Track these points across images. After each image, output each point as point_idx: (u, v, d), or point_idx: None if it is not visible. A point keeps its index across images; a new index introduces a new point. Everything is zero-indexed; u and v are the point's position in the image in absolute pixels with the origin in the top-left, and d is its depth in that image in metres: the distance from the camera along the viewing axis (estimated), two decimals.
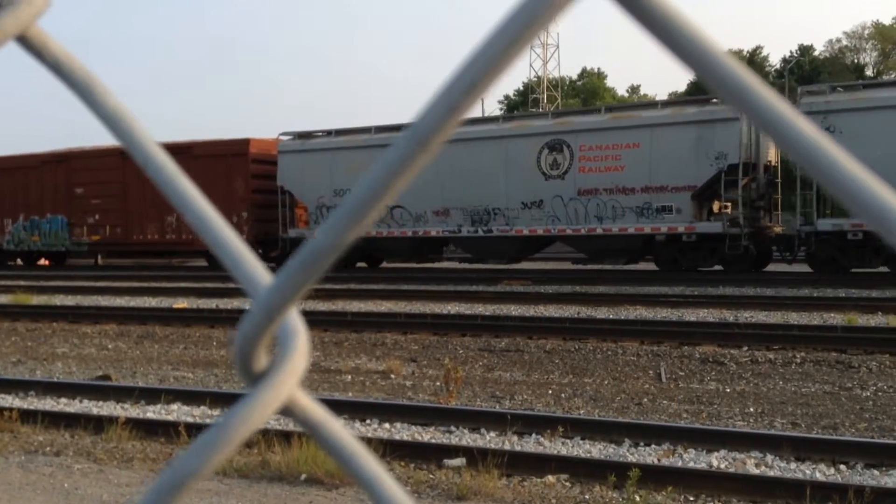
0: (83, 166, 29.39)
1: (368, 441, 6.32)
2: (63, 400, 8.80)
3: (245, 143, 27.10)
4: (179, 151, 26.78)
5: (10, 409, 7.65)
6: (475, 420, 7.41)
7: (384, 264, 26.78)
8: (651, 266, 22.45)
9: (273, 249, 26.65)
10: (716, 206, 20.48)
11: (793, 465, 6.06)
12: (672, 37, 0.33)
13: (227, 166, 26.64)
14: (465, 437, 7.06)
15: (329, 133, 25.97)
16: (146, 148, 0.36)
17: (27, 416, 7.62)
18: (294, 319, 0.34)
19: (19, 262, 32.30)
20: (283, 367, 0.33)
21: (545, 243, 23.81)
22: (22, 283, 22.38)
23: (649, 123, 21.08)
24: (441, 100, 0.30)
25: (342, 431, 0.33)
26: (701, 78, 0.34)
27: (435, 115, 0.29)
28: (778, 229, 21.32)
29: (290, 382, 0.33)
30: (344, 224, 0.30)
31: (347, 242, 0.31)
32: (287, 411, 0.34)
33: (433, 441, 6.94)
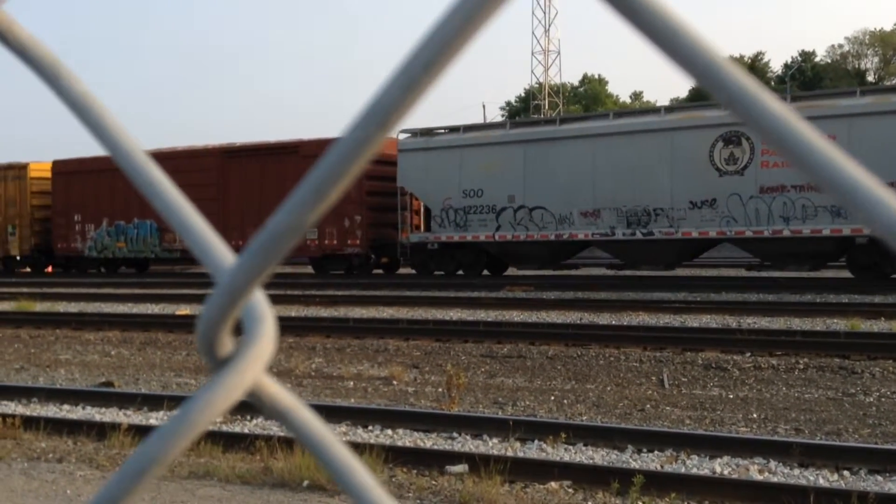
0: (176, 167, 25.89)
1: (371, 448, 6.31)
2: (66, 407, 8.80)
3: None
4: (286, 151, 25.58)
5: (13, 416, 7.65)
6: (477, 426, 7.39)
7: (510, 271, 24.08)
8: (649, 272, 22.22)
9: (386, 255, 25.04)
10: None
11: (796, 472, 6.04)
12: (667, 39, 0.33)
13: None
14: (467, 444, 7.04)
15: (456, 129, 23.80)
16: (115, 135, 0.35)
17: (30, 422, 7.62)
18: (261, 304, 0.33)
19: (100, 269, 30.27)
20: (249, 352, 0.32)
21: (710, 246, 21.69)
22: (25, 290, 22.40)
23: (848, 113, 18.63)
24: (399, 78, 0.29)
25: (312, 419, 0.32)
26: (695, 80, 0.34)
27: (392, 93, 0.29)
28: None
29: (255, 367, 0.32)
30: (305, 205, 0.29)
31: (308, 223, 0.30)
32: (254, 398, 0.33)
33: (435, 447, 6.93)
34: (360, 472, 0.29)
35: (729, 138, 19.95)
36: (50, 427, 7.56)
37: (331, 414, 7.75)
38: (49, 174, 30.23)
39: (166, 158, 27.34)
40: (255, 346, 0.32)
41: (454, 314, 15.52)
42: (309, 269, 26.88)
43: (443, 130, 24.31)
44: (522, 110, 66.18)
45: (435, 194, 23.34)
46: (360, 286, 21.85)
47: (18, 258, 30.95)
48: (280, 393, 0.32)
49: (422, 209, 24.60)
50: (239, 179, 26.43)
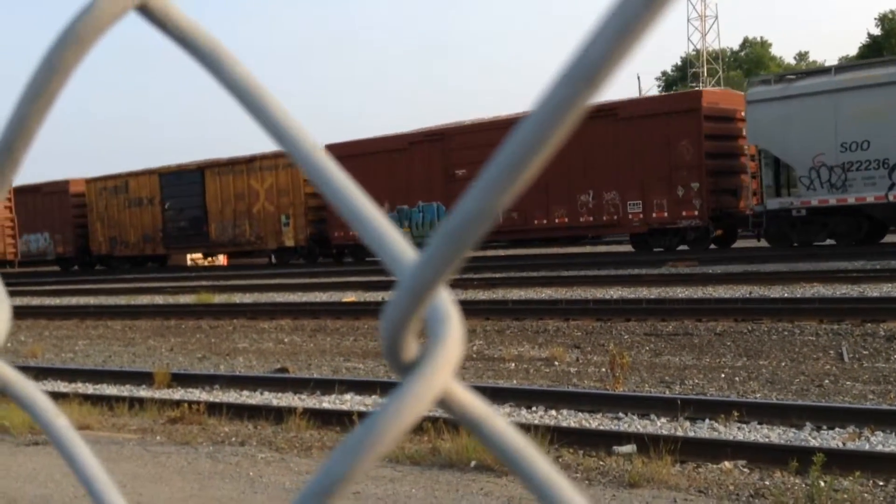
0: (464, 143, 24.42)
1: (535, 428, 6.30)
2: (245, 392, 9.28)
3: (696, 95, 21.70)
4: (601, 115, 21.68)
5: (198, 403, 8.13)
6: (644, 406, 7.25)
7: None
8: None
9: (721, 226, 21.80)
10: None
11: None
12: None
13: (664, 127, 21.15)
14: (634, 424, 6.92)
15: (826, 71, 20.40)
16: (279, 120, 0.34)
17: (213, 408, 8.08)
18: (445, 302, 0.30)
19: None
20: (436, 356, 0.29)
21: None
22: (204, 283, 23.75)
23: None
24: (612, 20, 0.25)
25: (506, 427, 0.29)
26: None
27: (604, 41, 0.24)
28: None
29: (444, 373, 0.29)
30: (500, 184, 0.26)
31: (503, 205, 0.27)
32: (443, 405, 0.30)
33: (601, 428, 6.84)
34: (566, 488, 0.26)
35: None
36: (232, 412, 7.99)
37: (494, 395, 7.80)
38: None
39: (454, 134, 25.27)
40: (443, 349, 0.29)
41: (615, 293, 15.26)
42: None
43: (794, 76, 20.85)
44: (679, 79, 64.14)
45: (800, 151, 19.66)
46: (518, 267, 21.82)
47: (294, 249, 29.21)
48: (471, 400, 0.29)
49: (761, 170, 20.83)
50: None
